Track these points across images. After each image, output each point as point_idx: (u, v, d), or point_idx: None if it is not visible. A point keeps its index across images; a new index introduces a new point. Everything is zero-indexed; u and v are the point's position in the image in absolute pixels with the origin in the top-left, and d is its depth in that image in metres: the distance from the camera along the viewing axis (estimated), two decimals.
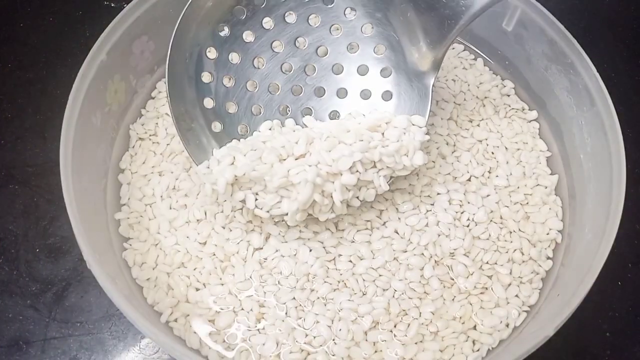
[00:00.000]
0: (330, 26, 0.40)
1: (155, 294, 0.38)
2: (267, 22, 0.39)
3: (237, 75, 0.40)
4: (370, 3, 0.39)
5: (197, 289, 0.38)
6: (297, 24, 0.39)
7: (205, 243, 0.40)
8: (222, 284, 0.38)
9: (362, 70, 0.41)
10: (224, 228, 0.40)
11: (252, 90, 0.40)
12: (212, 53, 0.39)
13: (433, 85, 0.40)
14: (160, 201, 0.41)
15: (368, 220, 0.40)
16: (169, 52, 0.37)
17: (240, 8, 0.38)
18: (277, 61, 0.40)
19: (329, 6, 0.39)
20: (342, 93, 0.41)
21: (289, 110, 0.41)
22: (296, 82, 0.41)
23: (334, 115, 0.41)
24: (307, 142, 0.37)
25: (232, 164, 0.37)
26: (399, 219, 0.41)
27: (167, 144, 0.44)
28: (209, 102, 0.39)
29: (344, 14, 0.40)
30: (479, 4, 0.35)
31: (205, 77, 0.39)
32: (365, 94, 0.41)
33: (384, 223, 0.41)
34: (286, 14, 0.39)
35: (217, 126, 0.40)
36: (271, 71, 0.40)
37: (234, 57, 0.39)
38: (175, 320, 0.37)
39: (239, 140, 0.39)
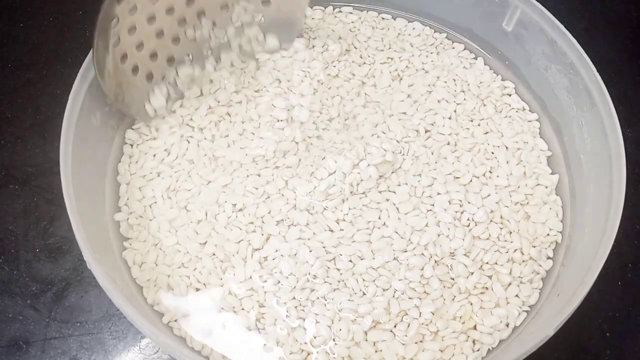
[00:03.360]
0: None
1: (155, 294, 0.38)
2: None
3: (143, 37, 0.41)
4: None
5: (197, 289, 0.38)
6: None
7: (205, 243, 0.40)
8: (222, 284, 0.38)
9: None
10: (225, 228, 0.40)
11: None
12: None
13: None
14: (161, 202, 0.41)
15: (369, 221, 0.40)
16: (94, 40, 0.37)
17: None
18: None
19: None
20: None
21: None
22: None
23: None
24: None
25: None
26: (399, 219, 0.41)
27: (165, 142, 0.44)
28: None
29: None
30: None
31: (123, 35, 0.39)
32: None
33: (384, 223, 0.41)
34: None
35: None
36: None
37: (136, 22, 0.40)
38: (176, 321, 0.37)
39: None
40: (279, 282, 0.38)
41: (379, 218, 0.41)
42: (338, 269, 0.39)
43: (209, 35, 0.44)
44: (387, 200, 0.41)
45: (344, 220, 0.40)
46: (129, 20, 0.39)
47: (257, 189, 0.41)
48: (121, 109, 0.41)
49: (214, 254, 0.39)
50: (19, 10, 0.56)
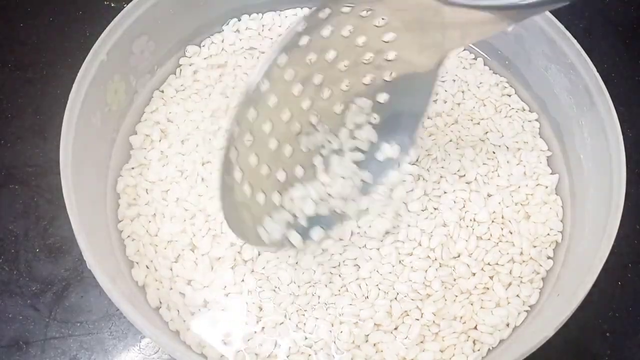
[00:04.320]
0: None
1: (154, 292, 0.38)
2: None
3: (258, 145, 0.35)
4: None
5: (196, 289, 0.38)
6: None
7: (204, 245, 0.40)
8: (221, 285, 0.38)
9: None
10: (223, 232, 0.40)
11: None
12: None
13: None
14: (160, 202, 0.41)
15: (385, 230, 0.40)
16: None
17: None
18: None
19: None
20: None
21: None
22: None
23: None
24: None
25: None
26: (409, 220, 0.40)
27: (164, 146, 0.44)
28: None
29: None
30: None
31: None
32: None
33: (394, 226, 0.40)
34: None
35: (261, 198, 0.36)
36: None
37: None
38: (172, 319, 0.37)
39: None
40: (278, 287, 0.38)
41: (394, 226, 0.40)
42: (341, 275, 0.39)
43: (321, 143, 0.38)
44: (400, 205, 0.41)
45: (351, 225, 0.40)
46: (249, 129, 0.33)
47: None
48: (237, 234, 0.35)
49: (213, 256, 0.39)
50: (19, 10, 0.56)
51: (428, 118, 0.45)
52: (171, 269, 0.39)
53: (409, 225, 0.40)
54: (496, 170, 0.43)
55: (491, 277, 0.39)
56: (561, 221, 0.42)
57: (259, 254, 0.39)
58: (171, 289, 0.38)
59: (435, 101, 0.46)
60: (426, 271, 0.39)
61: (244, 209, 0.35)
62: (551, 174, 0.44)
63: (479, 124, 0.45)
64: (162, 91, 0.46)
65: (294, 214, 0.37)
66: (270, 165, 0.35)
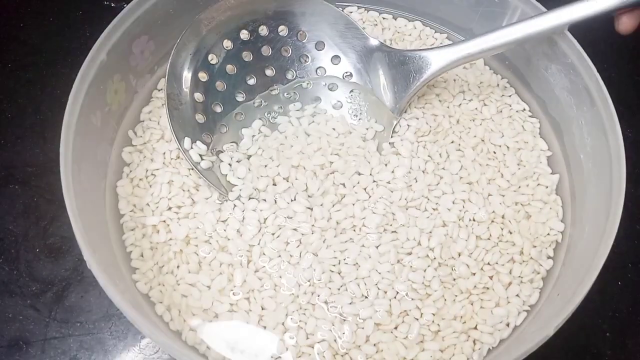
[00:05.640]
0: (317, 68, 0.46)
1: (152, 290, 0.38)
2: (265, 50, 0.45)
3: (229, 83, 0.44)
4: (353, 55, 0.46)
5: (197, 289, 0.38)
6: (292, 58, 0.46)
7: (206, 244, 0.40)
8: (222, 285, 0.38)
9: (337, 106, 0.46)
10: (225, 234, 0.40)
11: (239, 100, 0.45)
12: (213, 59, 0.43)
13: (395, 128, 0.45)
14: (159, 203, 0.41)
15: (379, 225, 0.40)
16: (177, 42, 0.41)
17: (245, 32, 0.44)
18: (266, 83, 0.45)
19: (320, 50, 0.46)
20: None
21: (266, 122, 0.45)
22: (279, 104, 0.46)
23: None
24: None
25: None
26: (408, 220, 0.40)
27: (166, 150, 0.44)
28: (199, 97, 0.43)
29: (331, 61, 0.46)
30: (438, 65, 0.42)
31: (202, 76, 0.43)
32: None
33: (392, 225, 0.40)
34: (282, 49, 0.45)
35: (200, 118, 0.43)
36: (259, 88, 0.45)
37: (230, 69, 0.44)
38: (172, 319, 0.37)
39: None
40: (278, 285, 0.38)
41: (389, 225, 0.40)
42: (340, 273, 0.39)
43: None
44: (393, 203, 0.41)
45: (360, 226, 0.40)
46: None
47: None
48: (166, 105, 0.41)
49: (214, 258, 0.39)
50: (19, 10, 0.56)
51: (431, 116, 0.46)
52: (171, 270, 0.39)
53: (407, 225, 0.40)
54: (496, 170, 0.43)
55: (491, 277, 0.39)
56: (561, 221, 0.42)
57: (262, 254, 0.39)
58: (172, 289, 0.38)
59: (440, 101, 0.47)
60: (425, 271, 0.39)
61: (188, 124, 0.42)
62: (551, 173, 0.44)
63: (480, 124, 0.45)
64: (161, 90, 0.46)
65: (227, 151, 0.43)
66: (228, 125, 0.44)
